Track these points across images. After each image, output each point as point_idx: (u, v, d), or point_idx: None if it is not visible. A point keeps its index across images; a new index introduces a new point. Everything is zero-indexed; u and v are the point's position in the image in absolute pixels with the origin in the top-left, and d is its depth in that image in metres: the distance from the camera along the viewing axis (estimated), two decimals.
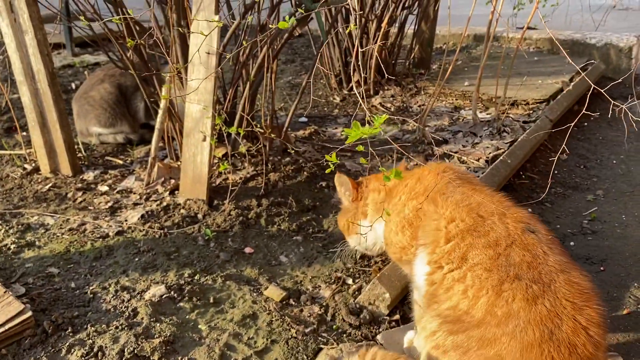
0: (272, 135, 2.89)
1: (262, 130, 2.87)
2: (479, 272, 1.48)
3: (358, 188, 2.10)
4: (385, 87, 4.46)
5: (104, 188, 2.90)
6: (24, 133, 3.32)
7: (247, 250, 2.32)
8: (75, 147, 3.20)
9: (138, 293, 2.01)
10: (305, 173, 2.99)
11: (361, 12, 4.16)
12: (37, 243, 2.40)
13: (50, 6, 2.92)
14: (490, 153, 3.25)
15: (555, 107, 3.81)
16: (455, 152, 3.30)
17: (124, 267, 2.18)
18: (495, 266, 1.46)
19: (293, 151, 3.22)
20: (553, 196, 3.06)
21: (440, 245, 1.61)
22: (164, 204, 2.67)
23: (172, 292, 1.99)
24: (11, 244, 2.38)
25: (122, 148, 3.48)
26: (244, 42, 2.63)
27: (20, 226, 2.53)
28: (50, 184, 2.93)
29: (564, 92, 4.06)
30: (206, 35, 2.38)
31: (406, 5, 4.32)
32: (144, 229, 2.44)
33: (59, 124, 2.96)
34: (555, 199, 3.03)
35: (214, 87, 2.64)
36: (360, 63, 4.29)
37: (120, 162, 3.25)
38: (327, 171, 1.94)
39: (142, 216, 2.56)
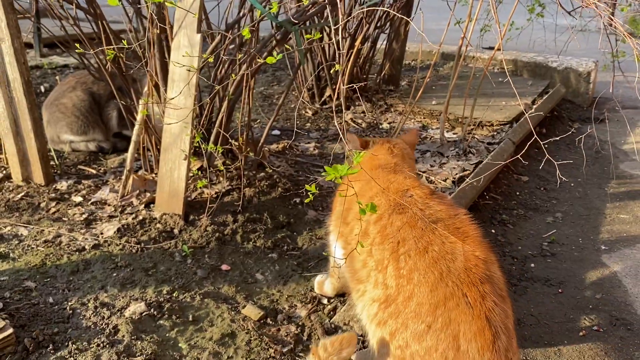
0: (249, 152, 2.95)
1: (238, 146, 2.93)
2: (376, 246, 1.71)
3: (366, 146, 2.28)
4: (357, 103, 4.57)
5: (78, 199, 2.90)
6: None
7: (224, 267, 2.37)
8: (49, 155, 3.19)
9: (118, 310, 2.04)
10: (279, 189, 3.05)
11: (335, 28, 4.25)
12: (11, 255, 2.40)
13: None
14: (457, 174, 3.39)
15: (518, 129, 3.98)
16: (424, 172, 3.43)
17: (102, 283, 2.21)
18: (385, 236, 1.70)
19: (269, 167, 3.30)
20: (515, 217, 3.21)
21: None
22: (140, 217, 2.70)
23: (152, 310, 2.03)
24: None
25: (94, 157, 3.48)
26: (213, 55, 2.69)
27: None
28: (22, 193, 2.92)
29: (527, 114, 4.24)
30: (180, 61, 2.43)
31: (378, 25, 4.44)
32: (120, 243, 2.47)
33: (33, 132, 2.94)
34: (517, 220, 3.18)
35: (194, 104, 2.69)
36: (331, 78, 4.39)
37: (94, 171, 3.25)
38: (306, 201, 2.02)
39: (118, 230, 2.58)
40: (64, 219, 2.72)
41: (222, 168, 2.88)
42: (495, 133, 4.09)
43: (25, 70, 2.89)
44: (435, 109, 4.46)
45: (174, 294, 2.16)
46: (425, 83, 3.53)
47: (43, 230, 2.59)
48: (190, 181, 2.99)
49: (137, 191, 2.94)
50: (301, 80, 4.56)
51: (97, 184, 3.08)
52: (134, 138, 2.95)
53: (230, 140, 2.84)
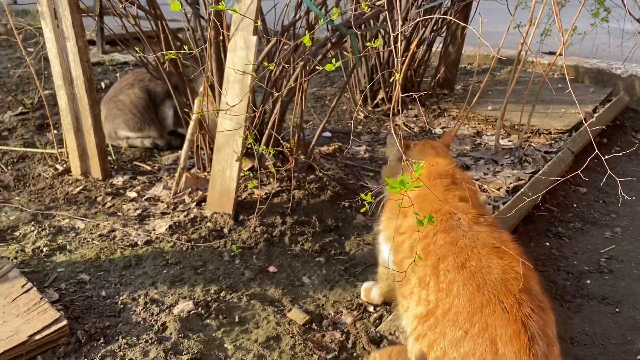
0: (300, 155, 2.95)
1: (289, 148, 2.94)
2: (420, 263, 1.72)
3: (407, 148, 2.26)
4: (409, 106, 4.51)
5: (133, 194, 2.97)
6: (56, 131, 3.40)
7: (271, 269, 2.38)
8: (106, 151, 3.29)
9: (167, 307, 2.08)
10: (329, 192, 3.04)
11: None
12: (68, 247, 2.48)
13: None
14: (511, 183, 3.29)
15: (578, 139, 3.84)
16: (477, 180, 3.35)
17: (153, 279, 2.25)
18: (427, 253, 1.72)
19: (319, 170, 3.30)
20: (571, 231, 3.10)
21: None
22: (191, 215, 2.74)
23: (200, 309, 2.06)
24: (43, 246, 2.46)
25: (149, 153, 3.56)
26: (273, 63, 2.70)
27: (52, 228, 2.61)
28: (80, 187, 3.02)
29: (587, 123, 4.09)
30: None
31: (435, 28, 4.37)
32: (171, 240, 2.52)
33: (93, 129, 3.04)
34: (573, 234, 3.06)
35: (247, 106, 2.71)
36: (384, 81, 4.36)
37: (149, 168, 3.33)
38: (362, 210, 2.02)
39: (170, 227, 2.63)
40: (118, 213, 2.79)
41: (273, 170, 2.90)
42: (553, 142, 3.96)
43: (88, 69, 2.98)
44: (491, 114, 4.36)
45: (222, 294, 2.18)
46: (482, 88, 3.45)
47: (99, 224, 2.66)
48: (241, 181, 3.02)
49: (190, 189, 2.99)
50: (354, 82, 4.53)
51: (151, 180, 3.15)
52: (188, 137, 3.00)
53: (281, 142, 2.85)
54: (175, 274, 2.28)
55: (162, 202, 2.91)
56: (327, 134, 4.09)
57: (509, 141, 4.00)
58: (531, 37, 3.26)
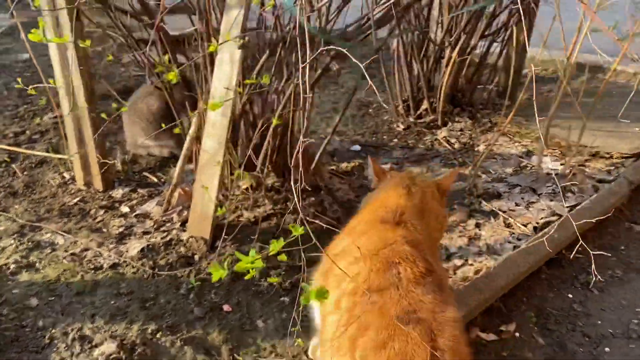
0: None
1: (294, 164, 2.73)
2: (341, 328, 1.44)
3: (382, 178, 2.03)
4: (456, 119, 4.11)
5: (125, 209, 2.89)
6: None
7: (226, 307, 2.19)
8: (115, 160, 3.25)
9: (91, 347, 1.95)
10: (326, 218, 2.79)
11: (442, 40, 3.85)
12: (36, 265, 2.43)
13: None
14: (542, 218, 2.86)
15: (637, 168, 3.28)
16: (504, 212, 2.94)
17: (96, 311, 2.14)
18: (351, 317, 1.44)
19: (324, 190, 3.05)
20: (607, 280, 2.62)
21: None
22: (169, 237, 2.61)
23: (122, 353, 1.91)
24: (13, 263, 2.43)
25: (165, 163, 3.48)
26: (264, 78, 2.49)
27: (31, 243, 2.58)
28: (78, 198, 2.99)
29: None
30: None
31: (486, 33, 3.92)
32: (136, 266, 2.39)
33: (93, 140, 2.99)
34: (608, 285, 2.59)
35: (229, 124, 2.52)
36: (429, 89, 4.00)
37: (155, 179, 3.25)
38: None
39: (142, 249, 2.51)
40: (103, 229, 2.72)
41: (265, 186, 2.70)
42: (612, 168, 3.41)
43: (89, 79, 2.93)
44: (550, 131, 3.83)
45: (157, 335, 2.02)
46: (558, 99, 3.01)
47: (77, 241, 2.60)
48: (231, 202, 2.85)
49: (181, 207, 2.86)
50: (398, 90, 4.20)
51: (151, 193, 3.05)
52: (183, 151, 2.87)
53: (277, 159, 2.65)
54: (121, 306, 2.15)
55: (151, 219, 2.81)
56: (357, 147, 3.82)
57: (562, 164, 3.50)
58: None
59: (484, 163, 3.54)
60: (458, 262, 2.58)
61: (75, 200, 2.97)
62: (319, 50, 2.48)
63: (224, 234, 2.60)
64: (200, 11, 2.64)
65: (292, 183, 2.87)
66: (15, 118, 4.06)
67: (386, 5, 2.54)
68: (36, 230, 2.70)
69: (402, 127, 4.11)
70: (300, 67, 1.50)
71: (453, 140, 3.84)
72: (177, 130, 2.82)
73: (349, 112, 4.43)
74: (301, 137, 2.89)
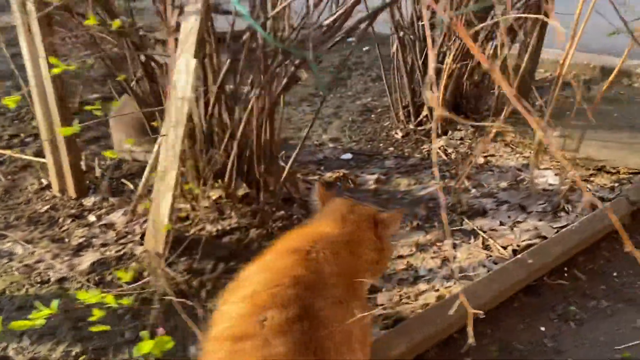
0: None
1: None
2: None
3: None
4: (458, 127, 3.89)
5: (92, 219, 2.85)
6: None
7: (160, 331, 2.09)
8: (94, 166, 3.22)
9: None
10: None
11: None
12: None
13: None
14: (524, 240, 2.64)
15: None
16: (485, 232, 2.74)
17: (27, 329, 2.08)
18: None
19: (300, 201, 2.93)
20: (590, 312, 2.39)
21: None
22: (124, 251, 2.54)
23: None
24: None
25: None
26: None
27: None
28: (49, 205, 2.96)
29: None
30: None
31: (489, 37, 3.69)
32: (81, 282, 2.33)
33: (66, 146, 2.96)
34: (590, 316, 2.36)
35: (183, 136, 2.43)
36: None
37: (132, 187, 3.19)
38: None
39: (93, 263, 2.45)
40: (65, 239, 2.68)
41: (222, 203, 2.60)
42: (617, 184, 3.15)
43: (60, 86, 2.89)
44: (558, 142, 3.58)
45: (80, 358, 1.94)
46: (578, 105, 2.79)
47: (35, 251, 2.57)
48: (193, 214, 2.76)
49: (145, 218, 2.78)
50: (399, 96, 4.02)
51: (122, 202, 3.00)
52: (150, 160, 2.80)
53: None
54: (52, 325, 2.09)
55: (114, 230, 2.75)
56: (348, 155, 3.67)
57: (566, 179, 3.25)
58: None
59: (478, 176, 3.34)
60: (424, 286, 2.41)
61: (46, 208, 2.94)
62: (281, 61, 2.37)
63: (182, 248, 2.53)
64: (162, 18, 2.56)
65: (261, 195, 2.78)
66: (15, 120, 4.10)
67: (348, 9, 2.39)
68: (0, 239, 2.68)
69: (400, 134, 3.93)
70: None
71: (450, 150, 3.64)
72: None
73: (349, 117, 4.30)
74: (271, 149, 2.79)
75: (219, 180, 2.77)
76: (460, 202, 2.94)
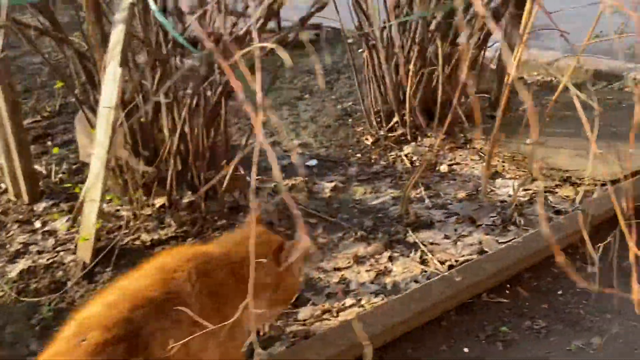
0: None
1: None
2: None
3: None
4: (430, 133, 3.79)
5: (38, 224, 2.87)
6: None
7: None
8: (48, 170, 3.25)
9: None
10: None
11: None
12: None
13: None
14: (464, 255, 2.55)
15: (604, 198, 2.86)
16: (426, 245, 2.65)
17: None
18: None
19: (246, 209, 2.90)
20: (522, 332, 2.28)
21: None
22: (55, 259, 2.55)
23: None
24: None
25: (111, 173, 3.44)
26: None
27: None
28: (1, 210, 3.00)
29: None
30: None
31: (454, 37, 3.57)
32: (4, 291, 2.35)
33: (17, 153, 2.99)
34: (521, 338, 2.25)
35: (109, 145, 2.42)
36: (399, 102, 3.71)
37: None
38: None
39: (22, 271, 2.47)
40: (7, 246, 2.71)
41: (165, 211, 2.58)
42: (582, 197, 3.00)
43: (11, 92, 2.92)
44: (524, 151, 3.44)
45: None
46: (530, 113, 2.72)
47: None
48: (135, 223, 2.75)
49: None
50: (371, 101, 3.94)
51: (71, 208, 3.01)
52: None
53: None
54: None
55: (55, 237, 2.76)
56: (313, 162, 3.61)
57: (526, 189, 3.13)
58: None
59: (439, 185, 3.24)
60: (350, 301, 2.34)
61: None
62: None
63: (114, 258, 2.52)
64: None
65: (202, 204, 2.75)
66: None
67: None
68: None
69: (370, 140, 3.85)
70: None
71: (415, 158, 3.54)
72: None
73: (325, 122, 4.23)
74: (202, 153, 2.76)
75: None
76: (408, 212, 2.85)
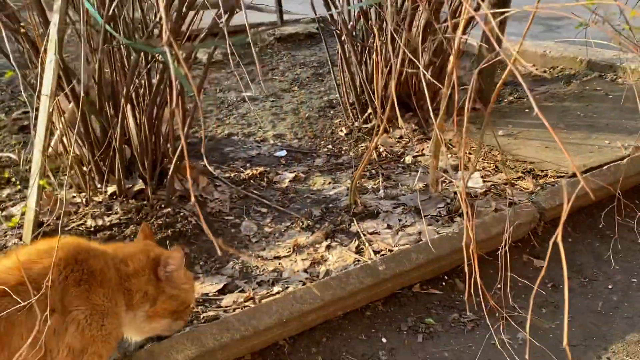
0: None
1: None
2: None
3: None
4: (403, 125, 3.72)
5: None
6: None
7: None
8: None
9: None
10: (169, 232, 2.65)
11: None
12: None
13: None
14: (401, 245, 2.49)
15: (558, 191, 2.75)
16: (369, 234, 2.61)
17: None
18: None
19: (200, 198, 2.93)
20: (447, 325, 2.22)
21: None
22: (1, 244, 2.63)
23: None
24: None
25: None
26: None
27: None
28: None
29: (618, 163, 2.91)
30: None
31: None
32: None
33: None
34: (444, 330, 2.19)
35: (46, 132, 2.48)
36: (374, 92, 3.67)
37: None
38: None
39: None
40: None
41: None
42: (539, 188, 2.90)
43: None
44: (494, 143, 3.32)
45: None
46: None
47: None
48: (84, 209, 2.81)
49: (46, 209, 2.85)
50: (344, 92, 3.91)
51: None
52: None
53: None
54: None
55: (9, 223, 2.84)
56: (282, 153, 3.61)
57: (487, 181, 3.04)
58: None
59: (400, 176, 3.19)
60: (277, 288, 2.33)
61: None
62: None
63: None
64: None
65: (149, 191, 2.78)
66: None
67: None
68: None
69: (344, 131, 3.81)
70: None
71: (382, 149, 3.49)
72: None
73: (306, 114, 4.21)
74: (154, 142, 2.79)
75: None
76: (356, 202, 2.81)
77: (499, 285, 2.43)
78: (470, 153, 3.34)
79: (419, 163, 3.31)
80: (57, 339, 1.47)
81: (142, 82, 2.76)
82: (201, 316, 2.15)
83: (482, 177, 3.10)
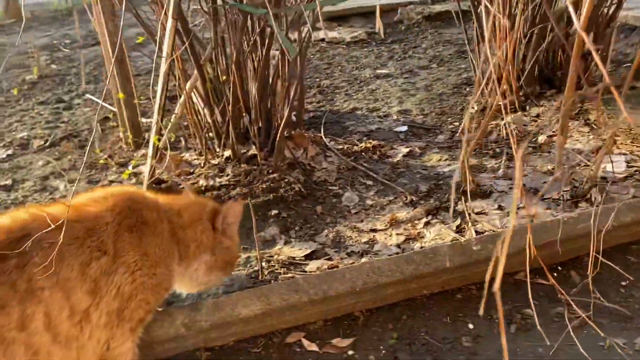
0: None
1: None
2: None
3: None
4: (541, 102, 3.36)
5: (130, 168, 3.21)
6: None
7: None
8: None
9: None
10: (271, 196, 2.67)
11: None
12: None
13: None
14: (503, 227, 2.24)
15: None
16: (475, 214, 2.39)
17: None
18: None
19: (308, 166, 2.92)
20: (547, 320, 1.94)
21: None
22: None
23: None
24: None
25: None
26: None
27: None
28: None
29: None
30: None
31: None
32: None
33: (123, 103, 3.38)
34: (544, 327, 1.92)
35: (162, 94, 2.61)
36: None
37: None
38: None
39: None
40: (98, 183, 3.09)
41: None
42: None
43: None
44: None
45: None
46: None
47: None
48: (200, 170, 2.93)
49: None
50: (480, 66, 3.62)
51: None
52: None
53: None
54: None
55: (137, 178, 3.07)
56: (403, 128, 3.46)
57: (631, 167, 2.63)
58: None
59: (528, 157, 2.88)
60: (365, 260, 2.22)
61: None
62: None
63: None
64: None
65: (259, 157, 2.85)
66: None
67: None
68: None
69: (475, 108, 3.54)
70: None
71: (513, 127, 3.17)
72: None
73: (439, 90, 4.00)
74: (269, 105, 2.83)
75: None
76: (466, 180, 2.58)
77: (622, 283, 2.09)
78: (617, 135, 2.92)
79: (554, 144, 2.95)
80: (107, 279, 1.51)
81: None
82: (280, 277, 2.12)
83: (626, 162, 2.68)
